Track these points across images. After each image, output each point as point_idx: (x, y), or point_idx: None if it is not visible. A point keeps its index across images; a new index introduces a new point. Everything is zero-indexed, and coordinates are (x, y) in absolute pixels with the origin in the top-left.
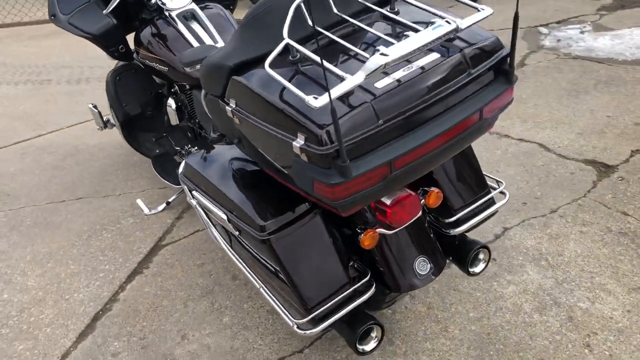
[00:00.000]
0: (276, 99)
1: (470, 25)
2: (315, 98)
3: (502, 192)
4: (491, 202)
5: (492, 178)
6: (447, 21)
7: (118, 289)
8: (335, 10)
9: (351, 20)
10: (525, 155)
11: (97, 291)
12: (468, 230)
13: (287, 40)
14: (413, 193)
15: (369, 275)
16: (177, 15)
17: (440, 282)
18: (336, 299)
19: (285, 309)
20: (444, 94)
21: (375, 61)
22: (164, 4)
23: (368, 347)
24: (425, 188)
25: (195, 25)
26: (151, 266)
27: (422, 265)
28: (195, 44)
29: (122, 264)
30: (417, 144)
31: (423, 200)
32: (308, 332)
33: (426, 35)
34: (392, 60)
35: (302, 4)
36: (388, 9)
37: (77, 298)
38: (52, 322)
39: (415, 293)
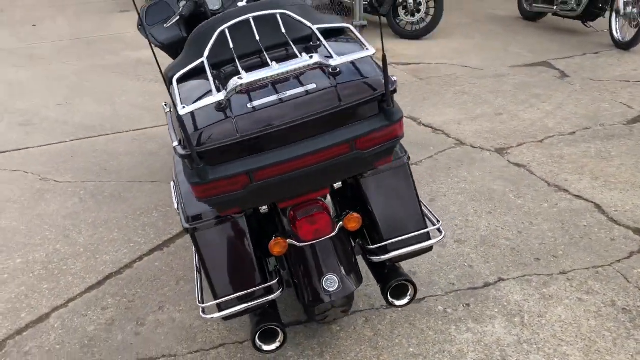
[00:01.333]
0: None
1: (343, 62)
2: (184, 107)
3: (439, 230)
4: (424, 237)
5: (433, 215)
6: (310, 56)
7: (137, 259)
8: (257, 39)
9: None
10: (572, 213)
11: (120, 257)
12: (395, 261)
13: (203, 59)
14: (325, 213)
15: (275, 280)
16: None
17: (400, 313)
18: (241, 294)
19: (201, 294)
20: (307, 120)
21: (233, 83)
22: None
23: (267, 347)
24: (348, 211)
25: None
26: (172, 246)
27: (330, 283)
28: None
29: (151, 240)
30: (276, 160)
31: (341, 223)
32: (208, 316)
33: (281, 67)
34: (246, 83)
35: (227, 30)
36: (310, 43)
37: (104, 259)
38: (76, 273)
39: (371, 317)
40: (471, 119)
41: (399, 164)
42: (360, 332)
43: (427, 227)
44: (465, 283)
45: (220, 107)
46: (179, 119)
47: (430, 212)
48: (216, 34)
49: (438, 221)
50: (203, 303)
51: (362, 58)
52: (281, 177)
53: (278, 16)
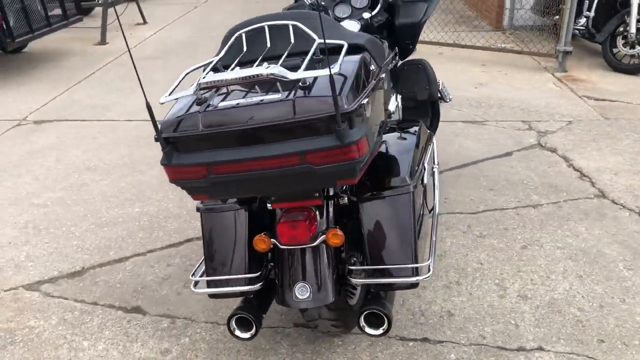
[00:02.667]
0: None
1: (301, 77)
2: (166, 97)
3: (428, 269)
4: (408, 272)
5: (432, 252)
6: (267, 67)
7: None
8: (268, 46)
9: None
10: None
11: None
12: (379, 289)
13: (216, 58)
14: (307, 222)
15: (257, 274)
16: None
17: (406, 347)
18: (226, 277)
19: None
20: (261, 126)
21: (198, 82)
22: None
23: (240, 334)
24: (333, 227)
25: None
26: None
27: (302, 291)
28: None
29: None
30: (230, 159)
31: (324, 236)
32: (197, 290)
33: (236, 73)
34: (203, 82)
35: (243, 35)
36: (314, 56)
37: (195, 225)
38: (168, 230)
39: (376, 343)
40: (634, 173)
41: (402, 192)
42: (357, 354)
43: (415, 262)
44: (497, 340)
45: (198, 102)
46: (148, 105)
47: (432, 249)
48: (233, 38)
49: (424, 260)
50: (195, 277)
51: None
52: (236, 175)
53: (290, 27)
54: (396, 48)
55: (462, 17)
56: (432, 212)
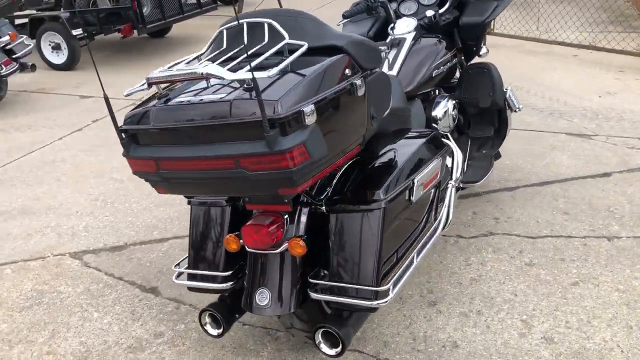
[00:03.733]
0: None
1: (237, 78)
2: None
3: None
4: (367, 294)
5: (400, 277)
6: (205, 65)
7: None
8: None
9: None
10: None
11: None
12: (336, 307)
13: (197, 53)
14: (269, 227)
15: (228, 273)
16: (390, 40)
17: None
18: (203, 272)
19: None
20: (200, 126)
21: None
22: (393, 28)
23: (210, 330)
24: (297, 236)
25: (393, 52)
26: None
27: (262, 297)
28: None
29: None
30: (173, 156)
31: (287, 244)
32: (177, 281)
33: (175, 71)
34: (147, 78)
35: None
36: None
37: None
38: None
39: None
40: None
41: (372, 207)
42: None
43: (376, 285)
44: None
45: (159, 96)
46: (105, 98)
47: (403, 272)
48: (215, 33)
49: (388, 283)
50: (179, 267)
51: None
52: (181, 173)
53: (265, 25)
54: (454, 49)
55: (620, 16)
56: (425, 231)
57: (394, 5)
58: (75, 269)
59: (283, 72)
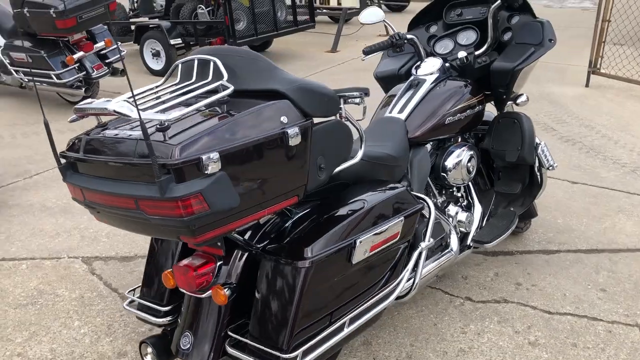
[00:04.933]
0: None
1: (143, 117)
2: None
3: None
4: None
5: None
6: (109, 101)
7: None
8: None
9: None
10: None
11: None
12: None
13: (156, 83)
14: (194, 271)
15: (167, 308)
16: (410, 80)
17: None
18: (146, 304)
19: None
20: (108, 162)
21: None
22: (418, 67)
23: (145, 356)
24: (222, 284)
25: (408, 94)
26: None
27: (185, 341)
28: (394, 107)
29: None
30: (92, 187)
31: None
32: (126, 306)
33: (95, 104)
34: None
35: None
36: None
37: None
38: None
39: None
40: None
41: (298, 265)
42: None
43: (286, 351)
44: None
45: (98, 125)
46: (45, 123)
47: (325, 339)
48: (172, 66)
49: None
50: (132, 294)
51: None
52: (101, 206)
53: (211, 63)
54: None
55: None
56: (371, 297)
57: (427, 42)
58: (80, 274)
59: (208, 116)
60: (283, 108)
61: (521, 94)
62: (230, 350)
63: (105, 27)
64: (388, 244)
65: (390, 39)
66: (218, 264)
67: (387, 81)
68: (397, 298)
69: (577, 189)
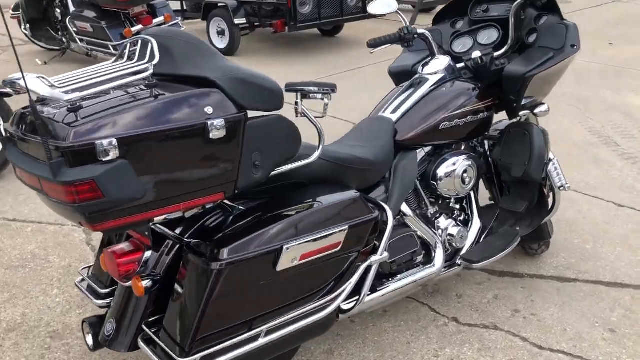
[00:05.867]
0: None
1: (49, 96)
2: None
3: None
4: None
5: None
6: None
7: None
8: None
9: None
10: None
11: None
12: None
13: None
14: (119, 258)
15: (107, 290)
16: (414, 78)
17: None
18: (91, 284)
19: None
20: (22, 137)
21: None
22: (425, 65)
23: (88, 339)
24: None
25: (407, 93)
26: None
27: (109, 327)
28: (388, 106)
29: None
30: (14, 162)
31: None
32: (77, 283)
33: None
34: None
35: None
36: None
37: None
38: None
39: None
40: None
41: (209, 267)
42: None
43: (184, 354)
44: None
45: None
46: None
47: (233, 347)
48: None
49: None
50: (88, 270)
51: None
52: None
53: (149, 44)
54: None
55: None
56: (298, 309)
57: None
58: (76, 243)
59: (126, 100)
60: (210, 98)
61: (542, 103)
62: (140, 343)
63: (168, 2)
64: (325, 253)
65: (399, 33)
66: (146, 253)
67: (399, 77)
68: (343, 312)
69: (621, 213)
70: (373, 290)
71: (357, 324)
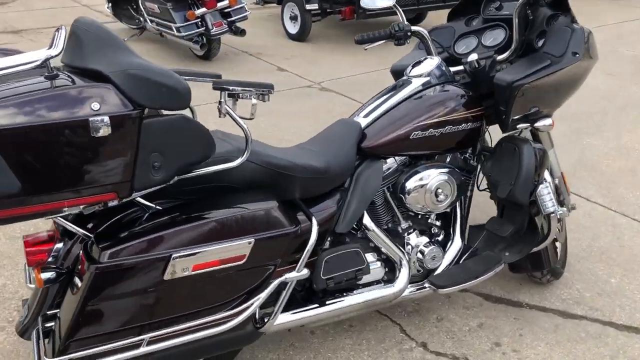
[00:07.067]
0: None
1: None
2: None
3: None
4: None
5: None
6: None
7: None
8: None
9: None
10: None
11: None
12: None
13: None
14: (32, 245)
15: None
16: (398, 80)
17: None
18: None
19: None
20: None
21: None
22: (415, 65)
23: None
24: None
25: (386, 96)
26: None
27: (23, 313)
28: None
29: None
30: None
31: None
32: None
33: None
34: None
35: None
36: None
37: None
38: None
39: None
40: None
41: (90, 269)
42: None
43: (56, 350)
44: None
45: None
46: None
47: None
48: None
49: None
50: None
51: None
52: None
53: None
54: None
55: None
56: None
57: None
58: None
59: (20, 93)
60: (100, 93)
61: (546, 116)
62: (33, 334)
63: None
64: (225, 266)
65: (390, 29)
66: (56, 245)
67: (398, 77)
68: (257, 328)
69: None
70: (302, 306)
71: (317, 336)
